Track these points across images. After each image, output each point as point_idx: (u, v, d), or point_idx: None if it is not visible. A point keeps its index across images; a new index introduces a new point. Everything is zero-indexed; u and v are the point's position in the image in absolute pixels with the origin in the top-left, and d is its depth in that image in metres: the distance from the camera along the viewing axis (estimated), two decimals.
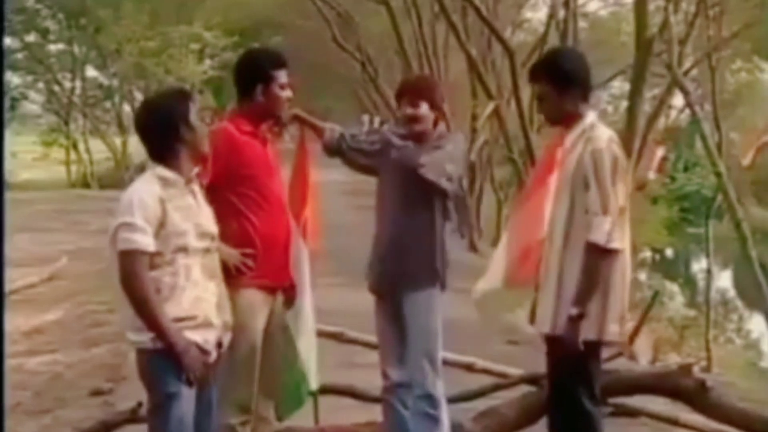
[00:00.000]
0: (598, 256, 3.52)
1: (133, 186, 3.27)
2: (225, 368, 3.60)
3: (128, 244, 3.11)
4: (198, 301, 3.23)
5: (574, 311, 3.53)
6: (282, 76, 3.90)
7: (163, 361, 3.14)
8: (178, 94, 3.46)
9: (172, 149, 3.25)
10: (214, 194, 3.69)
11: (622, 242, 3.57)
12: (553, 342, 3.67)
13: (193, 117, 3.28)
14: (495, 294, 4.13)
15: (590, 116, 3.70)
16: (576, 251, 3.57)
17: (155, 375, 3.19)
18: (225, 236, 3.61)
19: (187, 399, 3.20)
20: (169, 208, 3.17)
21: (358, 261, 4.17)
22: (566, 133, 3.71)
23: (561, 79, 3.70)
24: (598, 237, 3.50)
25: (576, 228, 3.58)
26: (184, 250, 3.20)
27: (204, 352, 3.23)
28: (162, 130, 3.27)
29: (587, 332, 3.56)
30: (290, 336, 4.05)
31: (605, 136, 3.62)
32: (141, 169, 3.43)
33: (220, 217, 3.64)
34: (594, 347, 3.64)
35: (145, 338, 3.16)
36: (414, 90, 4.04)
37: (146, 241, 3.12)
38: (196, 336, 3.21)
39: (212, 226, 3.36)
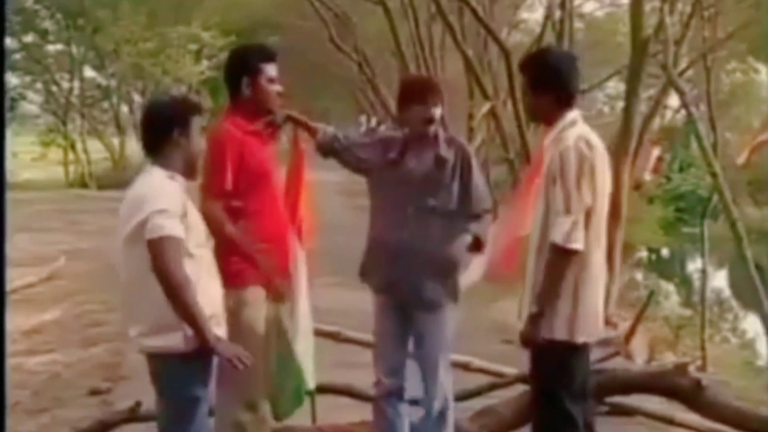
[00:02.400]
0: (558, 255, 3.49)
1: (148, 180, 3.23)
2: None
3: (163, 230, 3.05)
4: (212, 296, 3.27)
5: (533, 309, 3.53)
6: (270, 69, 3.87)
7: (188, 364, 3.14)
8: (187, 107, 3.43)
9: (167, 154, 3.27)
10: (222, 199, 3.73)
11: (583, 243, 3.49)
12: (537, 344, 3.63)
13: (194, 129, 3.28)
14: (476, 287, 4.17)
15: (570, 116, 3.64)
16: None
17: (180, 380, 3.18)
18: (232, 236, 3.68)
19: (206, 401, 3.26)
20: (187, 202, 3.19)
21: (354, 261, 4.19)
22: (548, 132, 3.68)
23: (535, 79, 3.69)
24: (557, 236, 3.47)
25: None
26: (200, 245, 3.23)
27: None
28: (160, 136, 3.28)
29: (558, 332, 3.53)
30: (285, 335, 4.08)
31: (575, 134, 3.56)
32: (140, 171, 3.42)
33: (229, 217, 3.68)
34: (569, 347, 3.58)
35: (173, 342, 3.12)
36: (437, 90, 4.03)
37: (180, 228, 3.09)
38: (218, 332, 3.25)
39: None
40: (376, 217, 4.08)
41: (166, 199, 3.12)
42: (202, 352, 3.15)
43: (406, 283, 3.96)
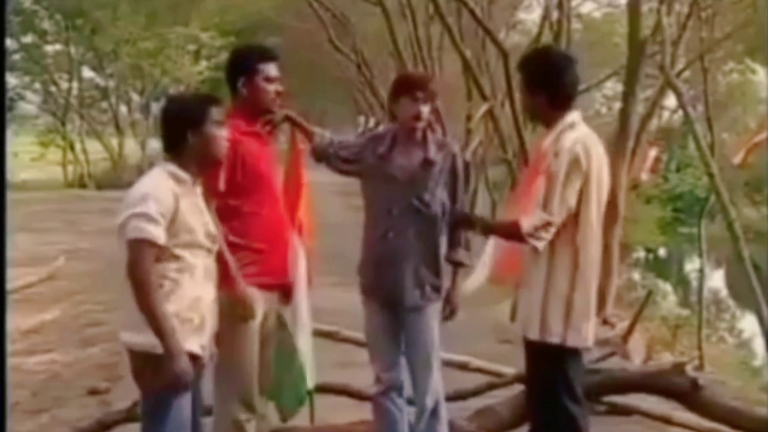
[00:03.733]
0: (514, 233, 3.52)
1: (144, 179, 3.30)
2: (227, 365, 3.65)
3: (139, 233, 3.11)
4: (198, 301, 3.26)
5: (477, 228, 3.79)
6: (268, 69, 3.87)
7: (161, 362, 3.14)
8: (200, 100, 3.47)
9: (180, 150, 3.30)
10: (218, 198, 3.72)
11: (544, 246, 3.47)
12: (531, 344, 3.63)
13: (209, 125, 3.31)
14: (481, 289, 4.18)
15: (570, 117, 3.59)
16: (558, 253, 3.52)
17: (154, 376, 3.19)
18: (226, 237, 3.67)
19: (185, 400, 3.22)
20: (181, 203, 3.20)
21: (352, 261, 4.21)
22: (546, 134, 3.63)
23: (530, 79, 3.66)
24: (526, 225, 3.44)
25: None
26: (191, 247, 3.23)
27: (196, 358, 3.26)
28: (172, 131, 3.33)
29: (552, 337, 3.53)
30: (288, 335, 4.09)
31: (572, 137, 3.51)
32: (138, 171, 3.45)
33: (222, 218, 3.68)
34: (563, 351, 3.56)
35: (147, 341, 3.13)
36: (428, 87, 4.01)
37: (157, 233, 3.13)
38: (192, 344, 3.23)
39: (214, 228, 3.41)
40: (367, 217, 4.11)
41: (152, 202, 3.15)
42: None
43: (389, 285, 3.99)
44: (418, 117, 3.94)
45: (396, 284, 3.97)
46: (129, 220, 3.14)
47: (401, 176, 3.96)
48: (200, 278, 3.28)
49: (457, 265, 4.09)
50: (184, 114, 3.34)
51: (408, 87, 4.00)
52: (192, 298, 3.24)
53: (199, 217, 3.31)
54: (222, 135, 3.37)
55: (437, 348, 4.07)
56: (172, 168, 3.29)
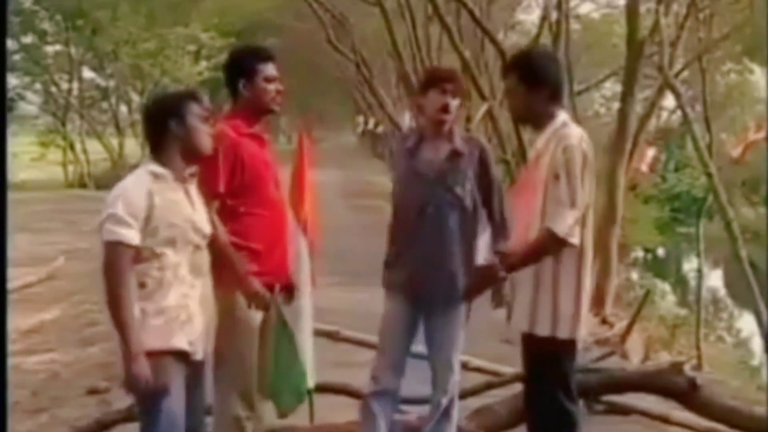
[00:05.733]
0: (553, 243, 3.50)
1: (123, 181, 3.31)
2: (228, 363, 3.67)
3: (111, 235, 3.14)
4: (184, 297, 3.25)
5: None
6: (267, 69, 3.88)
7: (150, 362, 3.14)
8: (182, 93, 3.51)
9: (163, 144, 3.31)
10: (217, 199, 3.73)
11: (579, 239, 3.54)
12: (529, 340, 3.68)
13: (191, 117, 3.31)
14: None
15: (562, 116, 3.66)
16: (564, 251, 3.56)
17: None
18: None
19: (176, 398, 3.22)
20: (157, 200, 3.19)
21: (354, 261, 4.24)
22: (538, 134, 3.69)
23: (530, 77, 3.66)
24: (560, 227, 3.47)
25: None
26: (173, 243, 3.22)
27: (186, 355, 3.26)
28: (155, 124, 3.34)
29: (562, 332, 3.57)
30: (290, 333, 4.09)
31: (576, 133, 3.57)
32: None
33: (221, 219, 3.69)
34: (569, 346, 3.63)
35: None
36: (458, 82, 4.03)
37: (130, 235, 3.14)
38: (180, 340, 3.23)
39: (205, 226, 3.39)
40: (396, 216, 4.08)
41: (123, 203, 3.16)
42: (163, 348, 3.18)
43: (422, 282, 3.97)
44: (445, 109, 3.92)
45: (430, 282, 3.95)
46: (104, 221, 3.18)
47: (429, 172, 3.94)
48: (185, 274, 3.28)
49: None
50: (165, 106, 3.36)
51: (437, 79, 4.01)
52: (177, 294, 3.23)
53: (182, 213, 3.29)
54: (205, 129, 3.38)
55: (460, 349, 4.07)
56: (152, 166, 3.29)
